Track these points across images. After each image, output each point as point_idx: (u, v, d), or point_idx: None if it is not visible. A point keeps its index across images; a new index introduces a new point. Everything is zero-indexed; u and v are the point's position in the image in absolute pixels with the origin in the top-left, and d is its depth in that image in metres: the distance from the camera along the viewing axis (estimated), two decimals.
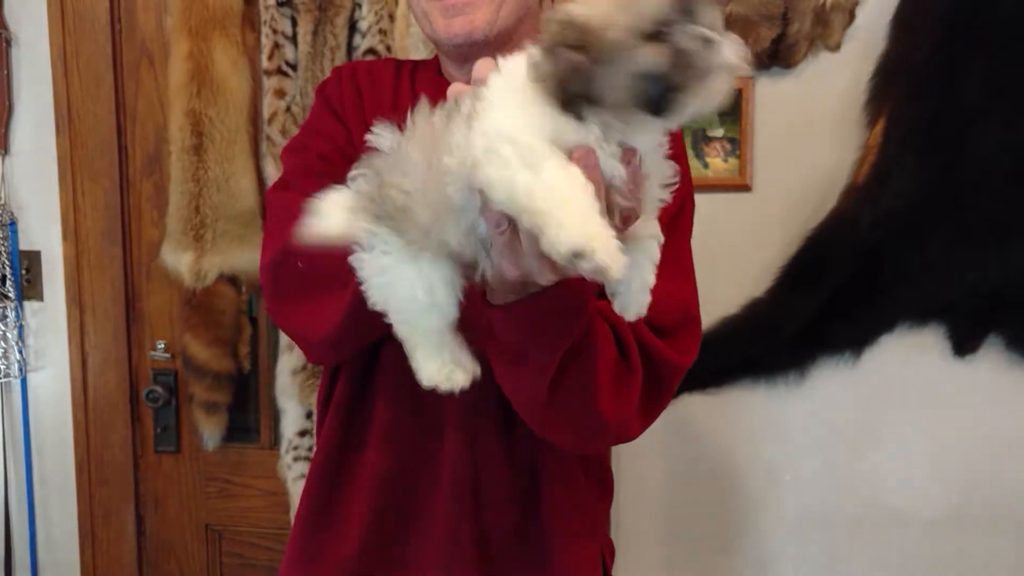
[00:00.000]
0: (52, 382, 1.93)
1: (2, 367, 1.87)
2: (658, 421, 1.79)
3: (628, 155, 0.67)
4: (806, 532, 1.81)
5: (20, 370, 1.87)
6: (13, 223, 1.85)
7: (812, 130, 1.69)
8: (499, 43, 0.97)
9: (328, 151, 1.01)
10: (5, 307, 1.85)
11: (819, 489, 1.80)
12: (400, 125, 0.78)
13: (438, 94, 0.91)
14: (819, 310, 1.71)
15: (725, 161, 1.70)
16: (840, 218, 1.68)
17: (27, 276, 1.87)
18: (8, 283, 1.84)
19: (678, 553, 1.85)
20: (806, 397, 1.77)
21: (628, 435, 0.93)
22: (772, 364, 1.77)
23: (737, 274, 1.74)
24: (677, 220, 0.96)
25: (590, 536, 1.08)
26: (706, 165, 1.71)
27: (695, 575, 1.86)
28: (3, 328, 1.85)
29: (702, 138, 1.70)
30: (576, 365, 0.83)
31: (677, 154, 0.96)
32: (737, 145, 1.69)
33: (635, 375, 0.87)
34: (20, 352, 1.87)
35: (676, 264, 0.94)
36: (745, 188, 1.71)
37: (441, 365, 0.80)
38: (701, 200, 1.71)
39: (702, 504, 1.83)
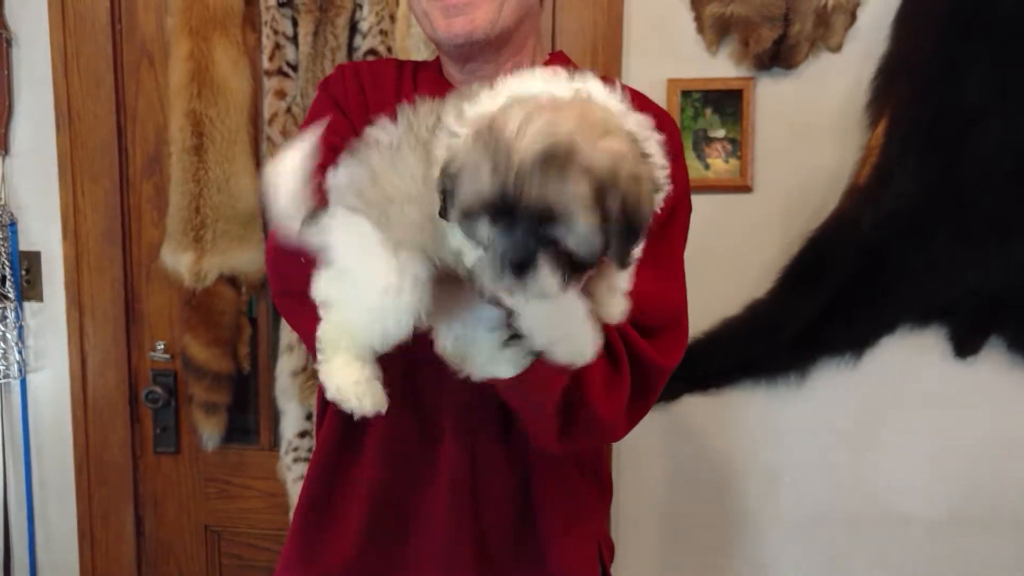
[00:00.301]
0: (51, 383, 1.93)
1: (1, 368, 1.87)
2: (659, 422, 1.79)
3: None
4: (806, 533, 1.81)
5: (20, 371, 1.87)
6: (13, 223, 1.84)
7: (813, 131, 1.69)
8: (500, 43, 0.97)
9: (334, 142, 1.02)
10: (5, 307, 1.84)
11: (819, 490, 1.79)
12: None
13: (439, 94, 0.92)
14: (820, 311, 1.71)
15: (726, 162, 1.70)
16: (841, 219, 1.68)
17: (27, 276, 1.86)
18: (8, 283, 1.84)
19: (677, 553, 1.85)
20: (807, 398, 1.76)
21: (616, 435, 0.94)
22: (772, 365, 1.77)
23: (738, 275, 1.73)
24: (669, 222, 0.95)
25: (588, 535, 1.09)
26: (707, 166, 1.71)
27: (694, 567, 1.85)
28: (3, 329, 1.85)
29: (703, 139, 1.70)
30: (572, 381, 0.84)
31: (675, 155, 0.95)
32: (738, 146, 1.69)
33: (623, 376, 0.88)
34: (20, 353, 1.87)
35: (665, 266, 0.94)
36: (746, 189, 1.71)
37: (357, 381, 0.77)
38: (701, 201, 1.71)
39: (702, 505, 1.83)
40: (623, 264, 0.65)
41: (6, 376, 1.87)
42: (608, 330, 0.86)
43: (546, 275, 0.61)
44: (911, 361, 1.73)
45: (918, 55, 1.62)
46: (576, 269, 0.63)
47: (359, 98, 1.05)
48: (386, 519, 1.03)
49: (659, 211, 0.82)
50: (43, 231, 1.87)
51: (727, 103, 1.68)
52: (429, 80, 1.05)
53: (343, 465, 1.05)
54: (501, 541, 1.02)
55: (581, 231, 0.59)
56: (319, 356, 0.79)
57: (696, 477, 1.82)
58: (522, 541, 1.03)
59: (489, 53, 0.98)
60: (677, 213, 0.97)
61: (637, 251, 0.68)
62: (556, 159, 0.58)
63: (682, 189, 0.98)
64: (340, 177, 0.77)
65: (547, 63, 1.02)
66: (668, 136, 0.91)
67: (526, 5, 0.99)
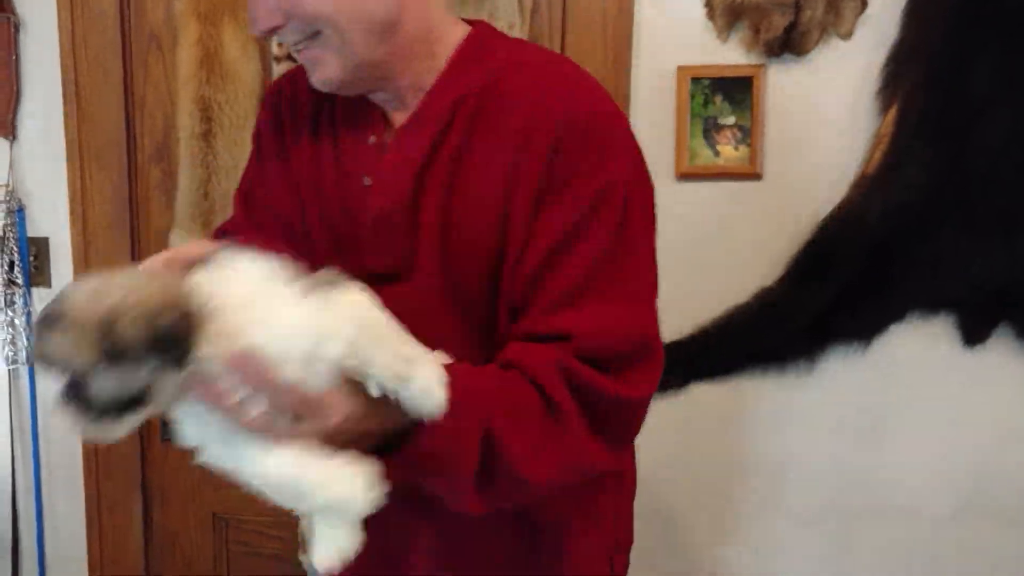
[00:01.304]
0: None
1: (10, 354, 1.87)
2: (665, 410, 1.80)
3: (236, 362, 0.67)
4: (814, 523, 1.81)
5: (28, 357, 1.87)
6: (21, 209, 1.84)
7: (823, 118, 1.68)
8: (374, 73, 0.87)
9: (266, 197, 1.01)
10: (13, 293, 1.84)
11: (827, 480, 1.80)
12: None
13: (358, 109, 0.92)
14: (829, 300, 1.71)
15: (736, 149, 1.70)
16: (851, 207, 1.68)
17: (35, 263, 1.86)
18: (16, 269, 1.83)
19: (683, 543, 1.85)
20: (815, 387, 1.76)
21: (588, 475, 0.88)
22: (781, 354, 1.77)
23: (747, 263, 1.73)
24: (618, 237, 0.84)
25: (594, 531, 1.04)
26: (716, 153, 1.70)
27: (701, 566, 1.85)
28: (11, 315, 1.85)
29: (713, 126, 1.70)
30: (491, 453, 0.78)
31: (603, 148, 0.85)
32: (748, 133, 1.69)
33: (568, 423, 0.80)
34: (28, 339, 1.86)
35: (622, 285, 0.84)
36: (755, 176, 1.71)
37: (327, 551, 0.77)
38: (711, 188, 1.72)
39: (709, 494, 1.83)
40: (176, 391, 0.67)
41: (15, 362, 1.87)
42: (541, 373, 0.80)
43: (74, 417, 0.65)
44: (920, 350, 1.73)
45: (928, 43, 1.61)
46: (120, 409, 0.66)
47: (291, 113, 1.00)
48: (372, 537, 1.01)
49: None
50: (51, 217, 1.86)
51: (737, 90, 1.68)
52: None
53: None
54: (499, 557, 0.97)
55: (83, 372, 0.64)
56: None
57: (702, 465, 1.82)
58: (523, 553, 0.98)
59: (371, 83, 0.89)
60: (627, 223, 0.84)
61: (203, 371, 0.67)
62: (51, 316, 0.65)
63: (623, 194, 0.84)
64: None
65: (467, 43, 0.91)
66: (594, 130, 0.84)
67: (381, 26, 0.84)
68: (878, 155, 1.65)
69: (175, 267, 0.74)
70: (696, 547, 1.85)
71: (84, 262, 1.85)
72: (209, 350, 0.66)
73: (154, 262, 0.76)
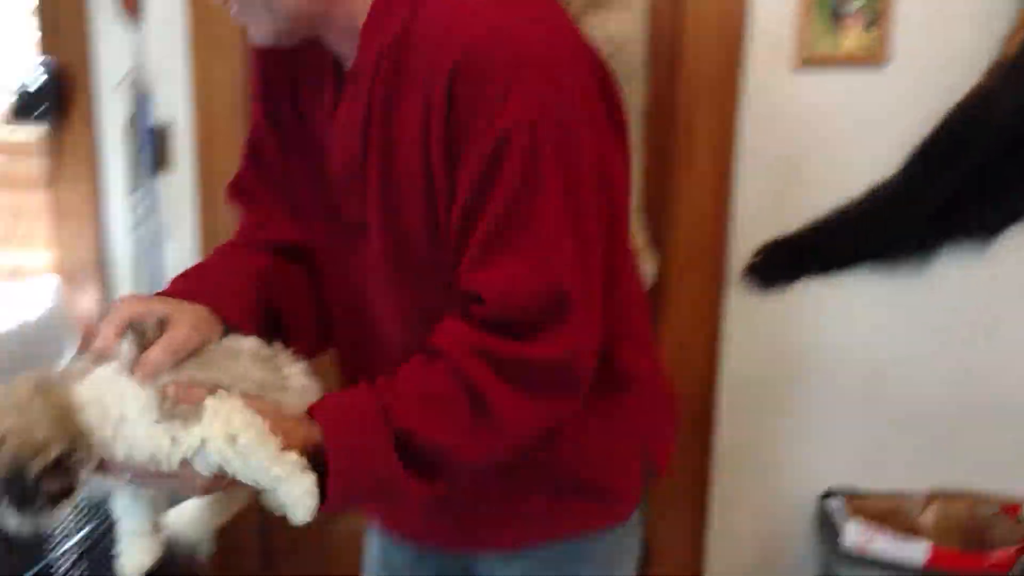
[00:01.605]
0: (181, 254, 1.99)
1: (135, 238, 1.94)
2: (769, 307, 1.77)
3: None
4: (914, 425, 1.80)
5: (153, 241, 1.95)
6: (146, 95, 1.89)
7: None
8: (310, 23, 0.86)
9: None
10: (138, 177, 1.91)
11: (931, 382, 1.78)
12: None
13: (315, 65, 0.92)
14: (950, 195, 1.67)
15: (866, 31, 1.63)
16: (983, 96, 1.62)
17: (159, 148, 1.92)
18: (141, 155, 1.90)
19: (773, 442, 1.86)
20: (926, 287, 1.74)
21: (544, 433, 0.87)
22: (896, 249, 1.74)
23: (868, 153, 1.69)
24: (525, 184, 0.78)
25: (616, 425, 0.99)
26: (842, 38, 1.64)
27: (800, 458, 1.87)
28: (137, 199, 1.92)
29: (840, 9, 1.63)
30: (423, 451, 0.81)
31: (509, 85, 0.78)
32: (877, 15, 1.62)
33: (497, 404, 0.80)
34: (153, 223, 1.94)
35: (529, 236, 0.79)
36: (884, 62, 1.65)
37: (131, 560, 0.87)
38: (832, 78, 1.66)
39: (810, 391, 1.83)
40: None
41: (140, 246, 1.95)
42: (464, 361, 0.80)
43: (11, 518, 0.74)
44: None
45: None
46: (54, 500, 0.74)
47: (275, 68, 0.98)
48: None
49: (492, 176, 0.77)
50: (175, 102, 1.89)
51: None
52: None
53: None
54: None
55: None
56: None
57: (800, 363, 1.82)
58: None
59: (308, 32, 0.87)
60: (537, 169, 0.78)
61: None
62: None
63: (528, 136, 0.77)
64: None
65: None
66: (490, 67, 0.76)
67: None
68: (1018, 40, 1.57)
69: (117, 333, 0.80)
70: (790, 444, 1.86)
71: (207, 148, 1.90)
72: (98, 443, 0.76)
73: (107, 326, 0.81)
